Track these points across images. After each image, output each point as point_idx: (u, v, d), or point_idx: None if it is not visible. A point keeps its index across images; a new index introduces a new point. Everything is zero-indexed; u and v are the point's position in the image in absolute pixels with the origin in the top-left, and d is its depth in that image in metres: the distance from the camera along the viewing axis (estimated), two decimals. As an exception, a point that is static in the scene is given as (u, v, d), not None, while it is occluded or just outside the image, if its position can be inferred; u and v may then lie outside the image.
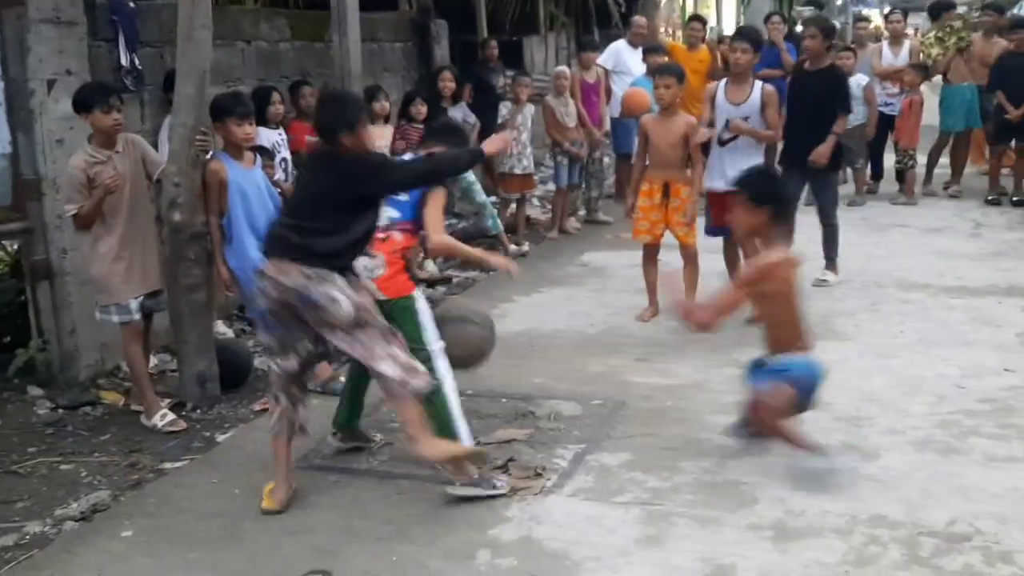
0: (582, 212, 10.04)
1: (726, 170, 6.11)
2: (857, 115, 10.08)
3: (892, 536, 3.55)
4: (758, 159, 6.24)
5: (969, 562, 3.37)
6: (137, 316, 4.90)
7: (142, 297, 4.92)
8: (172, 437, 4.79)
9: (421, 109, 8.08)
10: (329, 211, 3.77)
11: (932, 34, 11.00)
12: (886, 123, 10.51)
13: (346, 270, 3.83)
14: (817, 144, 6.75)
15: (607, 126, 9.82)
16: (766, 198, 4.13)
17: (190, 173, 4.90)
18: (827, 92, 6.82)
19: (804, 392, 4.05)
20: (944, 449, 4.29)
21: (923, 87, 10.48)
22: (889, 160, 10.81)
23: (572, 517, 3.80)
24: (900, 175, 10.52)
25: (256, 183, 5.13)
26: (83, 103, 4.78)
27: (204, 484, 4.21)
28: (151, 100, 6.12)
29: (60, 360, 5.41)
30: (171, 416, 4.91)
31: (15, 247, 5.92)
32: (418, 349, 3.97)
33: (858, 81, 9.97)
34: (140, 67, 5.92)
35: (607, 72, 9.92)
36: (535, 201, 10.34)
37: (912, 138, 10.29)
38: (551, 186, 9.94)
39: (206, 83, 4.93)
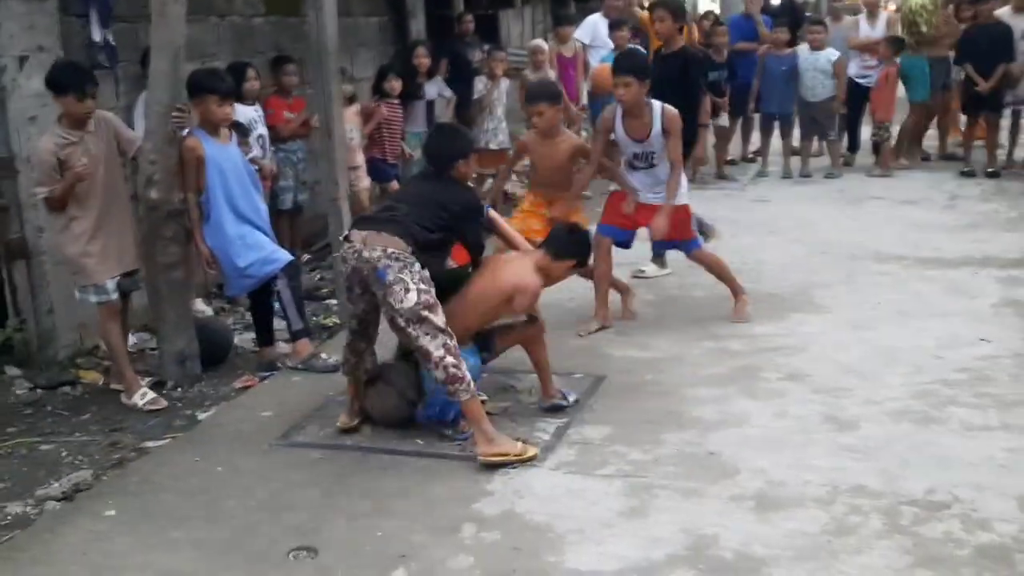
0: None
1: (646, 192, 5.84)
2: (826, 88, 10.15)
3: (873, 505, 3.59)
4: (661, 182, 5.78)
5: (948, 530, 3.42)
6: (115, 296, 4.86)
7: (119, 277, 4.88)
8: (153, 416, 4.78)
9: (395, 84, 8.04)
10: (433, 210, 4.20)
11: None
12: (863, 95, 10.55)
13: (426, 266, 4.05)
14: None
15: (584, 101, 9.79)
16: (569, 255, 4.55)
17: (166, 150, 4.85)
18: (680, 76, 6.48)
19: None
20: (922, 419, 4.35)
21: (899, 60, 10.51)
22: (866, 133, 10.87)
23: (555, 490, 3.83)
24: (876, 147, 10.58)
25: (233, 159, 5.10)
26: (57, 85, 4.70)
27: (186, 462, 4.20)
28: (125, 77, 6.05)
29: (38, 340, 5.37)
30: (151, 395, 4.89)
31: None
32: None
33: (828, 56, 10.02)
34: (114, 43, 5.84)
35: (584, 46, 9.89)
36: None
37: (888, 111, 10.34)
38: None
39: (181, 59, 4.87)
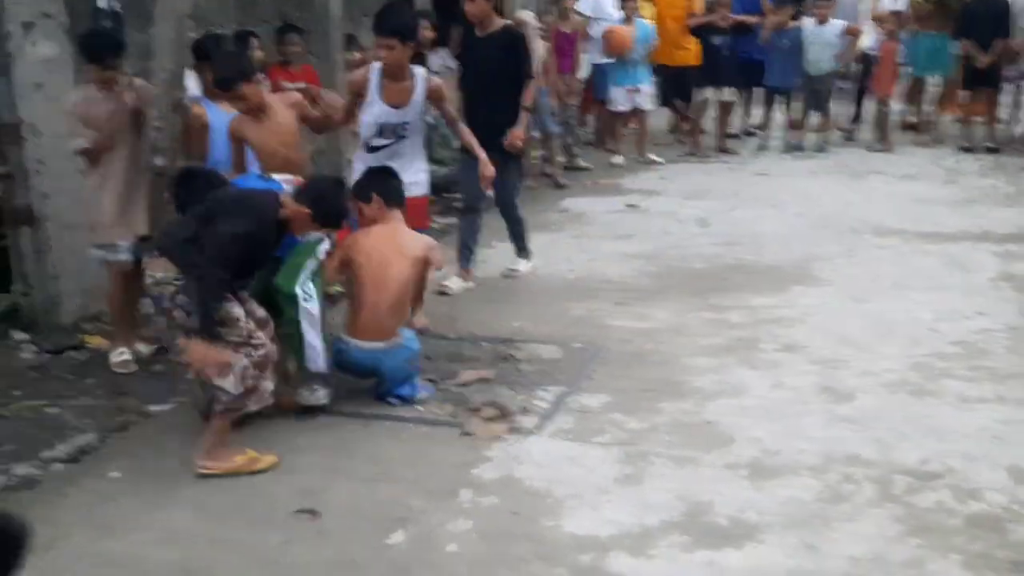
0: (561, 158, 10.04)
1: None
2: (831, 63, 10.14)
3: (866, 475, 3.65)
4: (422, 163, 5.34)
5: (940, 499, 3.48)
6: (123, 257, 4.90)
7: (133, 240, 4.92)
8: (157, 380, 4.82)
9: None
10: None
11: None
12: (870, 67, 10.55)
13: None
14: (500, 121, 5.84)
15: (581, 73, 9.79)
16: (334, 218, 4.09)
17: (171, 118, 4.88)
18: (503, 58, 5.85)
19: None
20: (917, 391, 4.40)
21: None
22: (870, 108, 10.88)
23: (552, 457, 3.88)
24: (879, 122, 10.58)
25: None
26: (83, 52, 4.80)
27: (190, 427, 4.24)
28: (130, 44, 6.04)
29: (43, 305, 5.41)
30: (126, 356, 4.95)
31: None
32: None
33: (833, 29, 9.99)
34: (120, 10, 5.85)
35: (588, 19, 9.86)
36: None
37: (888, 86, 10.33)
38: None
39: (185, 27, 4.89)
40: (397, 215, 4.60)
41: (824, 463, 3.74)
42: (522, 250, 6.43)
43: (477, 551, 3.25)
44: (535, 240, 6.66)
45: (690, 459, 3.81)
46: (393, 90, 5.05)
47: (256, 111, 4.66)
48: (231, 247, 3.69)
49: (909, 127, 11.11)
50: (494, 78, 5.88)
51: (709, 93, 10.45)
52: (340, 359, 4.39)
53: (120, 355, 4.96)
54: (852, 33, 10.03)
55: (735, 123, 11.23)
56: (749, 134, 11.40)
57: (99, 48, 4.75)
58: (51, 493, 3.75)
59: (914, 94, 11.17)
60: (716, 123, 10.69)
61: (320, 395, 4.31)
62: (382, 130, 5.09)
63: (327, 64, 6.08)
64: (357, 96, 5.14)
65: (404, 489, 3.66)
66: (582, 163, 9.88)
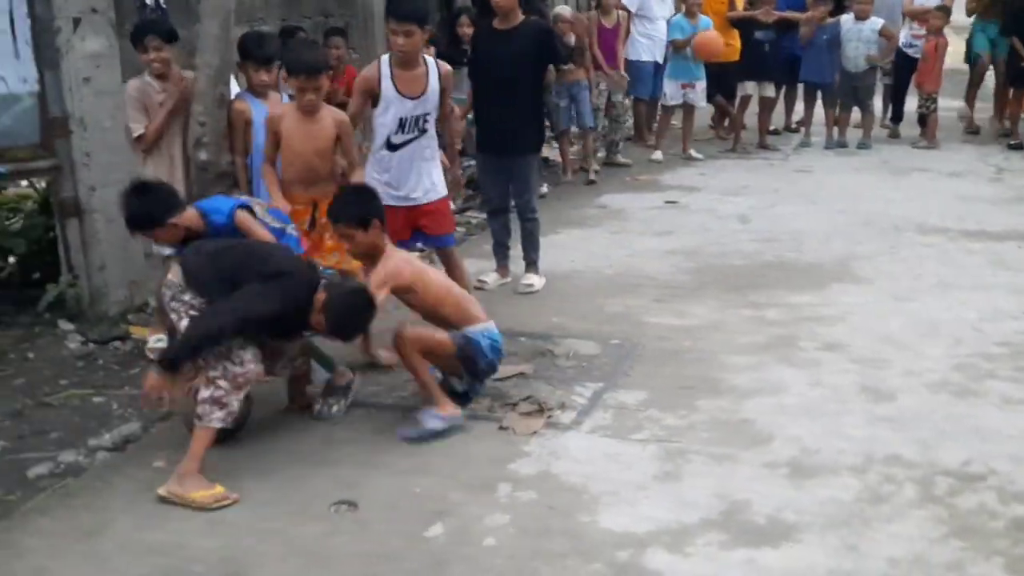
0: (601, 154, 10.02)
1: (400, 186, 5.02)
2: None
3: (907, 475, 3.62)
4: (434, 167, 5.11)
5: (983, 501, 3.44)
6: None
7: None
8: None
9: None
10: None
11: None
12: (911, 65, 10.41)
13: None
14: (515, 118, 5.69)
15: (620, 67, 9.77)
16: (363, 218, 4.10)
17: (216, 113, 4.93)
18: (525, 53, 5.61)
19: (467, 346, 4.19)
20: (960, 391, 4.35)
21: (947, 30, 10.35)
22: (911, 104, 10.73)
23: (590, 453, 3.89)
24: (922, 119, 10.44)
25: None
26: (131, 39, 4.97)
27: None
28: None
29: (90, 295, 5.50)
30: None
31: (44, 184, 5.98)
32: None
33: (872, 26, 9.88)
34: (165, 6, 5.92)
35: (630, 15, 9.84)
36: (552, 143, 10.34)
37: (935, 82, 10.19)
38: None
39: (231, 23, 4.94)
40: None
41: (864, 463, 3.72)
42: (532, 264, 6.08)
43: (514, 545, 3.26)
44: (573, 235, 6.69)
45: (728, 457, 3.80)
46: (407, 80, 4.86)
47: (310, 109, 4.58)
48: (248, 324, 3.69)
49: (972, 130, 10.93)
50: (512, 74, 5.65)
51: (751, 89, 10.38)
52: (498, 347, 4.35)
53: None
54: (886, 35, 9.90)
55: (776, 119, 11.13)
56: (791, 130, 11.30)
57: (142, 31, 4.89)
58: (96, 481, 3.82)
59: (972, 89, 11.01)
60: (757, 119, 10.61)
61: (334, 410, 4.30)
62: (403, 124, 4.91)
63: (369, 62, 6.11)
64: (367, 95, 4.91)
65: (442, 482, 3.69)
66: (621, 159, 9.86)
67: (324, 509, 3.52)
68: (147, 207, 4.04)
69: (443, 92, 4.99)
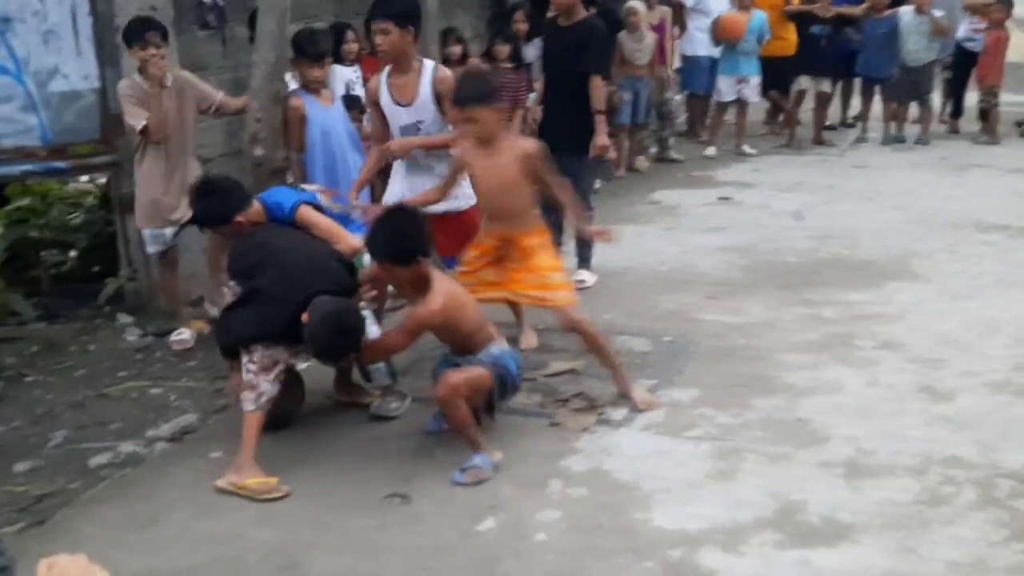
0: (653, 150, 9.97)
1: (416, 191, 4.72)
2: (929, 52, 9.84)
3: (967, 477, 3.55)
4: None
5: (1045, 504, 3.37)
6: (172, 241, 5.16)
7: (172, 228, 5.12)
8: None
9: (501, 49, 7.91)
10: None
11: None
12: (970, 59, 10.21)
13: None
14: (569, 115, 5.61)
15: (676, 64, 9.71)
16: (402, 255, 3.73)
17: (271, 109, 4.99)
18: (579, 52, 5.52)
19: (499, 370, 3.84)
20: (1021, 391, 4.26)
21: (1008, 24, 10.12)
22: (971, 99, 10.52)
23: (642, 450, 3.87)
24: (984, 114, 10.24)
25: (335, 121, 5.22)
26: (124, 38, 4.96)
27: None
28: (232, 37, 6.20)
29: (148, 289, 5.60)
30: (184, 335, 5.18)
31: (104, 180, 6.10)
32: None
33: (933, 19, 9.69)
34: (222, 3, 6.00)
35: (685, 9, 9.77)
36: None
37: (996, 76, 9.98)
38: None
39: (287, 20, 5.00)
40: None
41: (923, 464, 3.65)
42: (585, 260, 6.03)
43: (566, 541, 3.26)
44: (626, 232, 6.64)
45: (783, 456, 3.76)
46: (399, 86, 4.63)
47: (485, 140, 4.20)
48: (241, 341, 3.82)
49: None
50: (566, 71, 5.63)
51: (805, 84, 10.25)
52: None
53: (178, 334, 5.16)
54: (939, 30, 9.71)
55: (833, 115, 10.98)
56: (847, 126, 11.14)
57: (141, 29, 4.88)
58: (154, 471, 3.89)
59: None
60: (813, 114, 10.48)
61: (392, 406, 4.27)
62: (404, 134, 4.69)
63: (417, 51, 6.14)
64: (375, 106, 4.73)
65: (493, 478, 3.69)
66: (674, 155, 9.80)
67: (378, 502, 3.55)
68: (216, 206, 4.04)
69: (443, 98, 4.57)
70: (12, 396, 4.69)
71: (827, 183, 8.52)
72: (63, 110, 5.46)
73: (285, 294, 3.74)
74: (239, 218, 4.02)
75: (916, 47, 9.79)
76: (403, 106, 4.65)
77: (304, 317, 3.68)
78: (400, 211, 3.97)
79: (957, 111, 10.75)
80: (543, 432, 4.06)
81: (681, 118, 10.96)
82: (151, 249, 5.21)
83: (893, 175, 8.77)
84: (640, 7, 9.15)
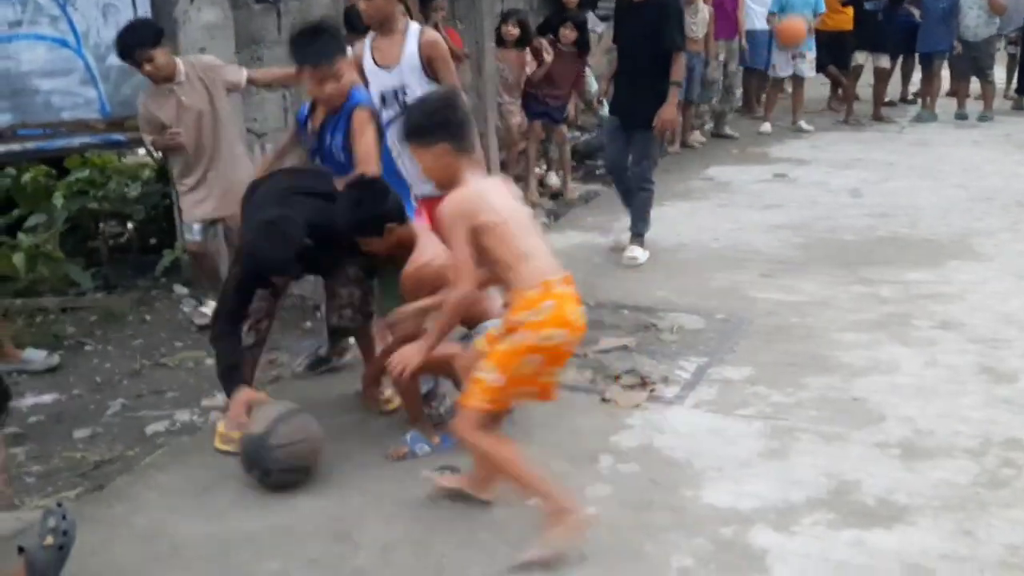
0: (709, 126, 9.85)
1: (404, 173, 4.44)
2: (989, 27, 9.58)
3: (1027, 459, 3.48)
4: None
5: (1108, 489, 3.29)
6: (198, 237, 5.06)
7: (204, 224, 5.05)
8: (306, 337, 4.99)
9: (567, 33, 7.78)
10: None
11: None
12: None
13: None
14: (639, 91, 5.70)
15: (743, 39, 9.58)
16: (368, 225, 3.57)
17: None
18: (651, 27, 5.60)
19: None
20: (1085, 375, 4.15)
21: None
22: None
23: (694, 428, 3.84)
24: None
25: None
26: (119, 51, 4.78)
27: (338, 383, 4.39)
28: (287, 11, 6.20)
29: (204, 261, 5.66)
30: (207, 310, 5.14)
31: (160, 154, 6.17)
32: None
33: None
34: None
35: None
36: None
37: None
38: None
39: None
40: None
41: (982, 446, 3.58)
42: (637, 236, 6.03)
43: (616, 516, 3.24)
44: (680, 208, 6.60)
45: (837, 436, 3.71)
46: (383, 48, 4.44)
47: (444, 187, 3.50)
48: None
49: None
50: (640, 47, 5.70)
51: (863, 59, 10.05)
52: None
53: (199, 306, 5.24)
54: (996, 9, 9.44)
55: (893, 90, 10.76)
56: (907, 102, 10.91)
57: (128, 47, 4.71)
58: (210, 440, 3.93)
59: None
60: (872, 90, 10.27)
61: (443, 409, 3.94)
62: (384, 99, 4.47)
63: (472, 28, 6.12)
64: (359, 71, 4.46)
65: (545, 452, 3.67)
66: (728, 131, 9.67)
67: (429, 474, 3.56)
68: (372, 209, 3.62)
69: (431, 62, 4.41)
70: (72, 365, 4.79)
71: (886, 160, 8.36)
72: (121, 83, 5.52)
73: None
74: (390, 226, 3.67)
75: (975, 22, 9.55)
76: (384, 69, 4.45)
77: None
78: (354, 184, 3.73)
79: (1022, 87, 10.47)
80: (594, 408, 4.05)
81: (736, 94, 10.81)
82: (186, 237, 5.18)
83: (954, 152, 8.58)
84: None
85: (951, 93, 10.10)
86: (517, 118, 7.75)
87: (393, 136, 4.27)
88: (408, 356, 3.23)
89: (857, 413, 3.88)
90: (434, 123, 3.07)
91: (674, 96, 5.67)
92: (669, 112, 5.68)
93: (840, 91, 10.75)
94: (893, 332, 4.67)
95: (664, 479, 3.47)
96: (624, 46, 5.92)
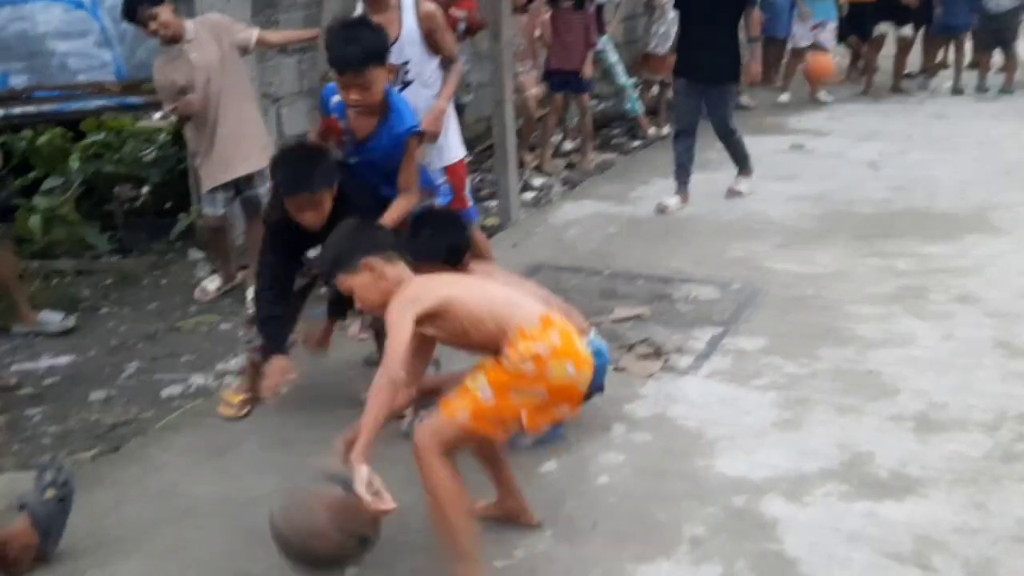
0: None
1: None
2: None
3: (1042, 434, 3.46)
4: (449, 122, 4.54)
5: (1122, 464, 3.27)
6: (221, 210, 5.01)
7: (228, 192, 4.99)
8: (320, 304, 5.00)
9: None
10: None
11: None
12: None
13: None
14: (712, 49, 6.09)
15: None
16: (457, 253, 3.37)
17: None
18: None
19: None
20: (1102, 350, 4.12)
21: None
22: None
23: (707, 398, 3.84)
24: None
25: None
26: (124, 12, 4.77)
27: (352, 348, 4.40)
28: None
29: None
30: (209, 286, 5.17)
31: (176, 118, 6.16)
32: None
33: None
34: None
35: None
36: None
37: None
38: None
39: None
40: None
41: (996, 420, 3.56)
42: (743, 169, 6.65)
43: (629, 484, 3.25)
44: (695, 178, 6.54)
45: (851, 408, 3.70)
46: (380, 23, 4.02)
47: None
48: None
49: None
50: (710, 5, 6.05)
51: (885, 29, 9.92)
52: None
53: (212, 282, 5.22)
54: None
55: (914, 62, 10.64)
56: (927, 74, 10.79)
57: (128, 4, 4.69)
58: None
59: None
60: (893, 61, 10.16)
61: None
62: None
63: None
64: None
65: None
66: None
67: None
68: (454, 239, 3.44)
69: (431, 35, 4.35)
70: (87, 327, 4.82)
71: (905, 132, 8.28)
72: (137, 46, 5.51)
73: None
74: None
75: (997, -6, 9.42)
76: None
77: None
78: (430, 216, 3.55)
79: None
80: (608, 377, 4.03)
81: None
82: (206, 211, 5.13)
83: (974, 125, 8.49)
84: None
85: (972, 65, 9.98)
86: (534, 88, 7.69)
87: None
88: (354, 461, 2.60)
89: (871, 385, 3.87)
90: (350, 248, 2.82)
91: (757, 51, 6.32)
92: (757, 66, 6.42)
93: (860, 62, 10.64)
94: (909, 305, 4.64)
95: (677, 448, 3.48)
96: (692, 6, 6.21)
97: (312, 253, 3.69)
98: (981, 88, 9.82)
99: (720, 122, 6.39)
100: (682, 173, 6.42)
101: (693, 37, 6.22)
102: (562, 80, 7.71)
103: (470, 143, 7.90)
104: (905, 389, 3.82)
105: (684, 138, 6.41)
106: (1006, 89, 9.73)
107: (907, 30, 9.92)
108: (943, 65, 10.57)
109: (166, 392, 4.09)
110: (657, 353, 4.23)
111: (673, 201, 6.37)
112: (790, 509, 3.07)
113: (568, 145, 8.26)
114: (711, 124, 6.41)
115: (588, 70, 7.70)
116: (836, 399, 3.77)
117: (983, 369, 3.97)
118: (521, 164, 6.95)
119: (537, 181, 7.43)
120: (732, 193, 6.56)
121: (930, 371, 3.96)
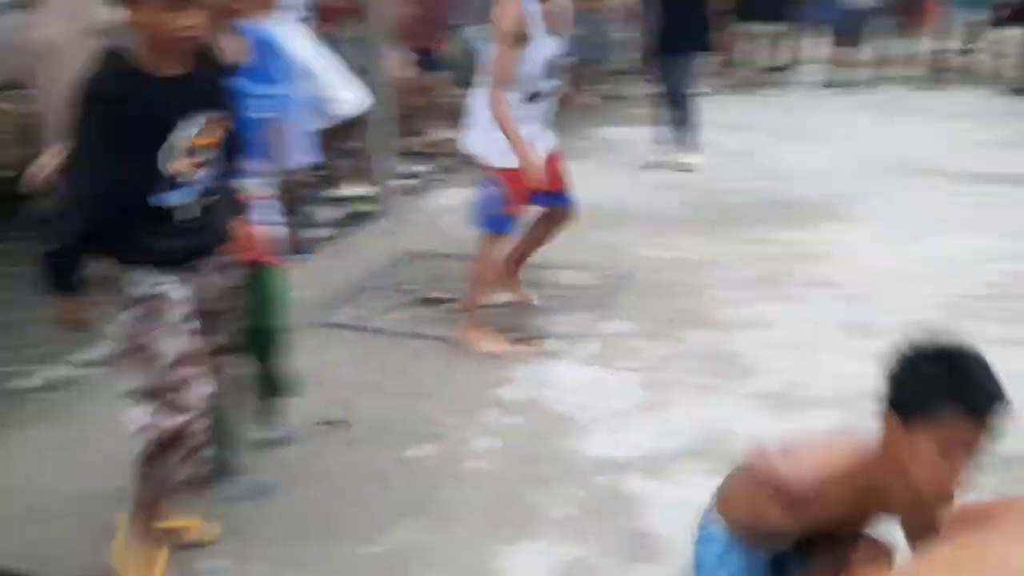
0: (607, 86, 9.92)
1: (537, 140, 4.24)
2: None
3: (888, 410, 3.64)
4: None
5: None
6: None
7: None
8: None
9: None
10: None
11: None
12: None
13: None
14: (699, 23, 7.03)
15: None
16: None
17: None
18: None
19: None
20: (951, 331, 4.35)
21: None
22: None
23: (577, 381, 3.93)
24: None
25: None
26: None
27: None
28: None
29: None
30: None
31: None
32: None
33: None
34: None
35: None
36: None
37: (933, 22, 10.10)
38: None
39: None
40: None
41: (848, 398, 3.74)
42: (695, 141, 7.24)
43: (501, 468, 3.31)
44: (569, 167, 6.62)
45: (713, 388, 3.84)
46: (552, 12, 3.95)
47: None
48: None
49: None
50: None
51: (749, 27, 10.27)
52: None
53: None
54: None
55: (780, 56, 11.02)
56: (782, 69, 11.20)
57: None
58: (83, 397, 3.84)
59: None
60: (761, 55, 10.50)
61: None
62: (544, 70, 4.00)
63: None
64: (520, 38, 3.86)
65: (432, 406, 3.72)
66: (620, 92, 9.77)
67: (317, 428, 3.56)
68: None
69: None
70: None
71: (772, 124, 8.58)
72: None
73: None
74: None
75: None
76: (553, 36, 3.99)
77: None
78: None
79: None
80: (480, 362, 4.09)
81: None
82: None
83: (838, 118, 8.87)
84: None
85: (835, 60, 10.39)
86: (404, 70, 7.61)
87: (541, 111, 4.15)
88: None
89: (733, 366, 4.02)
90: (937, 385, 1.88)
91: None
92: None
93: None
94: (769, 290, 4.83)
95: (547, 431, 3.55)
96: None
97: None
98: (842, 82, 10.24)
99: (680, 86, 7.12)
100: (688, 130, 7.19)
101: (675, 16, 6.89)
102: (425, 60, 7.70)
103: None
104: (764, 370, 3.99)
105: (679, 104, 7.18)
106: (870, 83, 10.16)
107: (773, 27, 10.28)
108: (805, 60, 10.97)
109: (19, 384, 3.94)
110: (528, 338, 4.29)
111: (694, 156, 7.12)
112: (652, 486, 3.18)
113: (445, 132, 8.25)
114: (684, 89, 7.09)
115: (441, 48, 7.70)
116: (699, 380, 3.91)
117: (837, 351, 4.17)
118: (398, 150, 6.91)
119: (414, 168, 7.42)
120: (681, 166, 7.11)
121: (788, 352, 4.14)
